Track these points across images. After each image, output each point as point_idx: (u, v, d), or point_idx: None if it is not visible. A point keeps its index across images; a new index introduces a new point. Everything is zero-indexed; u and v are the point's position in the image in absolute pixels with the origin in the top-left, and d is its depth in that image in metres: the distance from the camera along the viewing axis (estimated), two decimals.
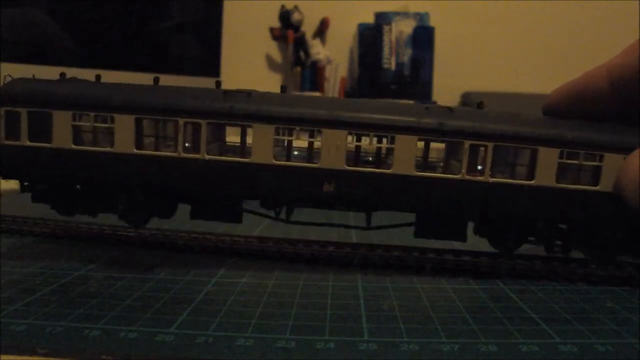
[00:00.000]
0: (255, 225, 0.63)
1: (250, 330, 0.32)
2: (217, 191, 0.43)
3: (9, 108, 0.43)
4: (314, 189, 0.41)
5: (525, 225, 0.44)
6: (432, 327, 0.33)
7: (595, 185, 0.40)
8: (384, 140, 0.41)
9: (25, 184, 0.47)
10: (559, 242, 0.44)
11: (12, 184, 0.99)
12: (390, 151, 0.41)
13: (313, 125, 0.41)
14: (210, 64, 1.53)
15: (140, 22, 1.38)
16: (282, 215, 0.47)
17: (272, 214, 0.46)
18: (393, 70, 1.52)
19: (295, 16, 1.70)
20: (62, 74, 0.45)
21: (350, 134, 0.40)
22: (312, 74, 1.65)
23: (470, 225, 0.46)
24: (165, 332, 0.31)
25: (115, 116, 0.41)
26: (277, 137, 0.41)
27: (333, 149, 0.40)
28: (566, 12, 1.79)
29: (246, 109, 0.41)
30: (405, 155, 0.40)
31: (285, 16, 1.71)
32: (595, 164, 0.40)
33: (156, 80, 0.44)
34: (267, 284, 0.41)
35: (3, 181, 0.99)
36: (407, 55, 1.52)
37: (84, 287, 0.39)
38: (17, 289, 0.38)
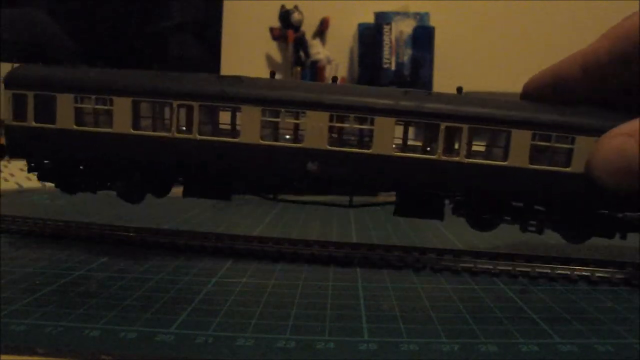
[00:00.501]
0: (255, 225, 0.63)
1: (250, 330, 0.32)
2: (208, 169, 0.45)
3: (16, 91, 0.45)
4: (298, 167, 0.43)
5: (501, 205, 0.45)
6: (432, 327, 0.33)
7: (568, 166, 0.41)
8: (364, 121, 0.43)
9: (32, 164, 0.49)
10: (533, 222, 0.45)
11: (12, 184, 0.98)
12: (370, 132, 0.43)
13: (297, 107, 0.43)
14: (210, 64, 1.53)
15: (140, 21, 1.38)
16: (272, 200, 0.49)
17: (260, 194, 0.49)
18: (393, 70, 1.52)
19: (295, 16, 1.70)
20: (67, 61, 0.48)
21: (332, 115, 0.42)
22: (312, 74, 1.65)
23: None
24: (165, 332, 0.31)
25: (114, 99, 0.44)
26: (264, 118, 0.43)
27: (316, 130, 0.42)
28: (566, 12, 1.79)
29: (236, 92, 0.43)
30: (384, 136, 0.42)
31: (285, 16, 1.71)
32: (567, 146, 0.41)
33: (155, 67, 0.47)
34: (267, 284, 0.41)
35: (3, 181, 0.99)
36: (407, 55, 1.52)
37: (84, 287, 0.39)
38: (17, 289, 0.38)
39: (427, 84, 1.52)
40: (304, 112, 0.43)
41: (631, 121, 0.38)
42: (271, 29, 1.72)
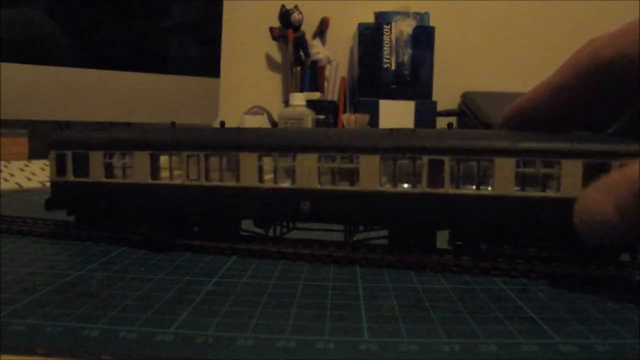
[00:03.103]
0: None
1: (250, 330, 0.32)
2: (216, 211, 0.50)
3: (58, 151, 0.53)
4: (292, 207, 0.47)
5: (497, 233, 0.45)
6: (432, 327, 0.33)
7: (557, 191, 0.42)
8: (350, 160, 0.46)
9: (73, 212, 0.56)
10: (532, 250, 0.44)
11: (12, 184, 0.98)
12: (356, 170, 0.46)
13: (289, 151, 0.47)
14: (210, 64, 1.53)
15: (140, 22, 1.38)
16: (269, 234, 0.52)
17: (263, 232, 0.52)
18: (393, 70, 1.52)
19: (295, 16, 1.70)
20: (98, 123, 0.57)
21: (320, 157, 0.46)
22: (312, 74, 1.65)
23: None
24: (165, 332, 0.31)
25: (135, 153, 0.50)
26: (260, 163, 0.47)
27: (306, 171, 0.46)
28: (566, 12, 1.79)
29: (236, 140, 0.48)
30: (370, 173, 0.45)
31: (285, 16, 1.71)
32: (554, 171, 0.42)
33: (173, 123, 0.53)
34: (267, 284, 0.41)
35: (3, 181, 0.99)
36: (407, 55, 1.52)
37: (84, 287, 0.39)
38: (17, 289, 0.38)
39: (427, 84, 1.52)
40: (294, 155, 0.46)
41: (606, 176, 0.39)
42: (271, 29, 1.73)
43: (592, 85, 0.41)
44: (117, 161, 0.52)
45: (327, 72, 1.65)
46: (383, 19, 1.54)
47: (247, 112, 1.64)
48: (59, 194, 0.54)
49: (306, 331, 0.32)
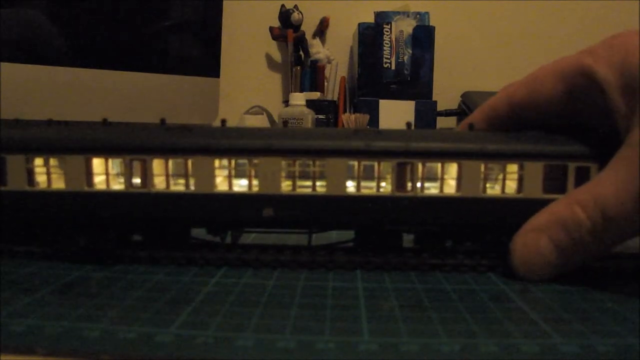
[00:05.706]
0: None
1: (250, 330, 0.32)
2: (166, 220, 0.45)
3: None
4: (254, 213, 0.44)
5: (464, 234, 0.46)
6: (432, 327, 0.33)
7: (519, 192, 0.43)
8: (317, 163, 0.43)
9: None
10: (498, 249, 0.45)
11: None
12: (322, 174, 0.44)
13: (249, 154, 0.43)
14: (210, 64, 1.53)
15: (139, 21, 1.38)
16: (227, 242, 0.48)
17: (217, 239, 0.48)
18: (393, 69, 1.51)
19: (295, 16, 1.70)
20: (15, 120, 0.47)
21: (284, 160, 0.43)
22: (312, 74, 1.65)
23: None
24: (165, 332, 0.31)
25: (65, 157, 0.44)
26: (217, 167, 0.43)
27: (269, 175, 0.43)
28: (566, 12, 1.79)
29: (187, 143, 0.43)
30: (336, 176, 0.43)
31: (285, 16, 1.71)
32: (518, 172, 0.43)
33: (105, 120, 0.47)
34: (267, 284, 0.41)
35: None
36: (407, 54, 1.52)
37: (84, 287, 0.39)
38: (17, 289, 0.38)
39: (427, 83, 1.52)
40: (256, 159, 0.43)
41: (539, 214, 0.42)
42: (271, 29, 1.72)
43: (507, 117, 0.49)
44: (43, 166, 0.44)
45: (327, 72, 1.65)
46: (383, 18, 1.54)
47: (247, 112, 1.64)
48: None
49: (306, 331, 0.32)
